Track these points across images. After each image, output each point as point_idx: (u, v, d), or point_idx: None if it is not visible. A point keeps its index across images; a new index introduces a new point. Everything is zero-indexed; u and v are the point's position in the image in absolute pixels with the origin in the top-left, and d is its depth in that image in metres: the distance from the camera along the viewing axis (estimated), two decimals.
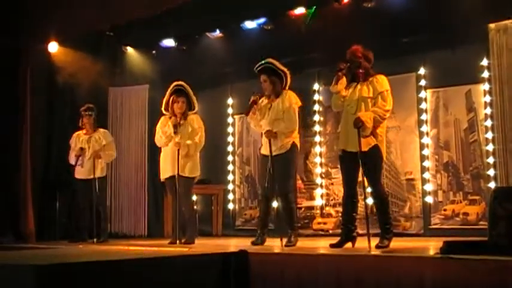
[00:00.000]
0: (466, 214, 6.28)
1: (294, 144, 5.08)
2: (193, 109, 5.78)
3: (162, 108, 5.78)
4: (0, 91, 6.91)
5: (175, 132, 5.59)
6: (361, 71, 4.59)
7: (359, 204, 4.73)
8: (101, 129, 6.65)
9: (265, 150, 5.13)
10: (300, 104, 5.16)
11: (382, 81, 4.58)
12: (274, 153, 5.00)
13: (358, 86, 4.59)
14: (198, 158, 5.78)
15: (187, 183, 5.67)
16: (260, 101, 5.12)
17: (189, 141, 5.62)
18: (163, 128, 5.73)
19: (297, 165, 5.41)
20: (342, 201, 4.71)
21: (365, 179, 4.50)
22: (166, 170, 5.72)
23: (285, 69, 5.12)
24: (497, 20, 5.79)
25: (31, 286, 2.18)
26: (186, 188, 5.66)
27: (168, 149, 5.71)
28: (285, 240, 4.94)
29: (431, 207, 6.53)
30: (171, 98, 5.70)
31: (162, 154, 5.83)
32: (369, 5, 6.13)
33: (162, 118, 5.82)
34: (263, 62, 5.11)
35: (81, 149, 6.43)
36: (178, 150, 5.57)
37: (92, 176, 6.41)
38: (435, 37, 6.30)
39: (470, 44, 6.16)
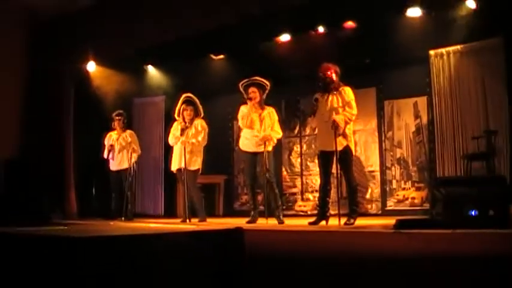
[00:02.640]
0: (413, 198, 6.37)
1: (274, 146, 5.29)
2: (200, 115, 5.79)
3: (175, 115, 5.80)
4: (51, 102, 6.96)
5: (181, 135, 5.62)
6: (331, 87, 4.63)
7: (332, 191, 4.79)
8: (129, 130, 6.65)
9: (251, 148, 5.19)
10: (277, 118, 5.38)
11: (349, 93, 4.63)
12: (260, 151, 5.09)
13: (330, 97, 4.62)
14: (200, 154, 5.74)
15: (192, 175, 5.66)
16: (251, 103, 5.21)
17: (193, 140, 5.63)
18: (174, 131, 5.77)
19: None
20: (319, 189, 4.74)
21: (340, 171, 4.56)
22: (175, 164, 5.76)
23: (267, 82, 5.23)
24: (435, 48, 5.89)
25: (73, 254, 2.20)
26: (191, 179, 5.66)
27: (177, 147, 5.73)
28: (273, 219, 5.01)
29: (387, 193, 6.61)
30: (182, 107, 5.73)
31: (173, 151, 5.85)
32: (339, 34, 6.16)
33: (175, 123, 5.83)
34: (251, 79, 5.23)
35: (111, 145, 6.46)
36: (184, 148, 5.59)
37: (121, 167, 6.44)
38: (390, 59, 6.37)
39: (416, 65, 6.26)
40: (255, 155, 5.12)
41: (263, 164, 5.02)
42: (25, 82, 6.95)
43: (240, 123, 5.32)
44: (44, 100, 6.91)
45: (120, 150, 6.45)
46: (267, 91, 5.25)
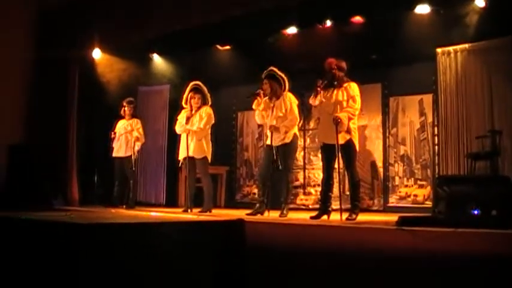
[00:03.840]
0: (415, 195, 6.35)
1: (295, 136, 5.10)
2: (207, 103, 5.74)
3: (183, 102, 5.76)
4: (55, 88, 6.94)
5: (186, 123, 5.59)
6: (335, 82, 4.60)
7: (334, 186, 4.75)
8: (136, 119, 6.62)
9: (267, 141, 5.09)
10: (297, 102, 5.15)
11: (354, 88, 4.61)
12: (278, 143, 4.96)
13: (335, 91, 4.61)
14: (208, 141, 5.66)
15: (201, 163, 5.62)
16: (262, 96, 5.09)
17: (194, 128, 5.60)
18: (181, 119, 5.73)
19: (296, 152, 5.37)
20: (321, 183, 4.72)
21: (343, 165, 4.54)
22: (181, 153, 5.73)
23: (283, 75, 5.12)
24: (442, 46, 5.84)
25: (74, 239, 2.20)
26: (201, 168, 5.63)
27: (183, 135, 5.70)
28: (275, 211, 4.98)
29: (390, 189, 6.59)
30: (189, 95, 5.69)
31: (181, 140, 5.80)
32: (346, 29, 6.12)
33: (182, 111, 5.79)
34: (267, 70, 5.13)
35: (114, 133, 6.47)
36: (187, 136, 5.55)
37: (119, 154, 6.42)
38: (397, 56, 6.31)
39: (423, 62, 6.19)
40: (270, 148, 5.05)
41: (276, 156, 4.92)
42: (30, 68, 6.94)
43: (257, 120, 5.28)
44: (49, 86, 6.91)
45: (119, 137, 6.45)
46: (284, 81, 5.08)
